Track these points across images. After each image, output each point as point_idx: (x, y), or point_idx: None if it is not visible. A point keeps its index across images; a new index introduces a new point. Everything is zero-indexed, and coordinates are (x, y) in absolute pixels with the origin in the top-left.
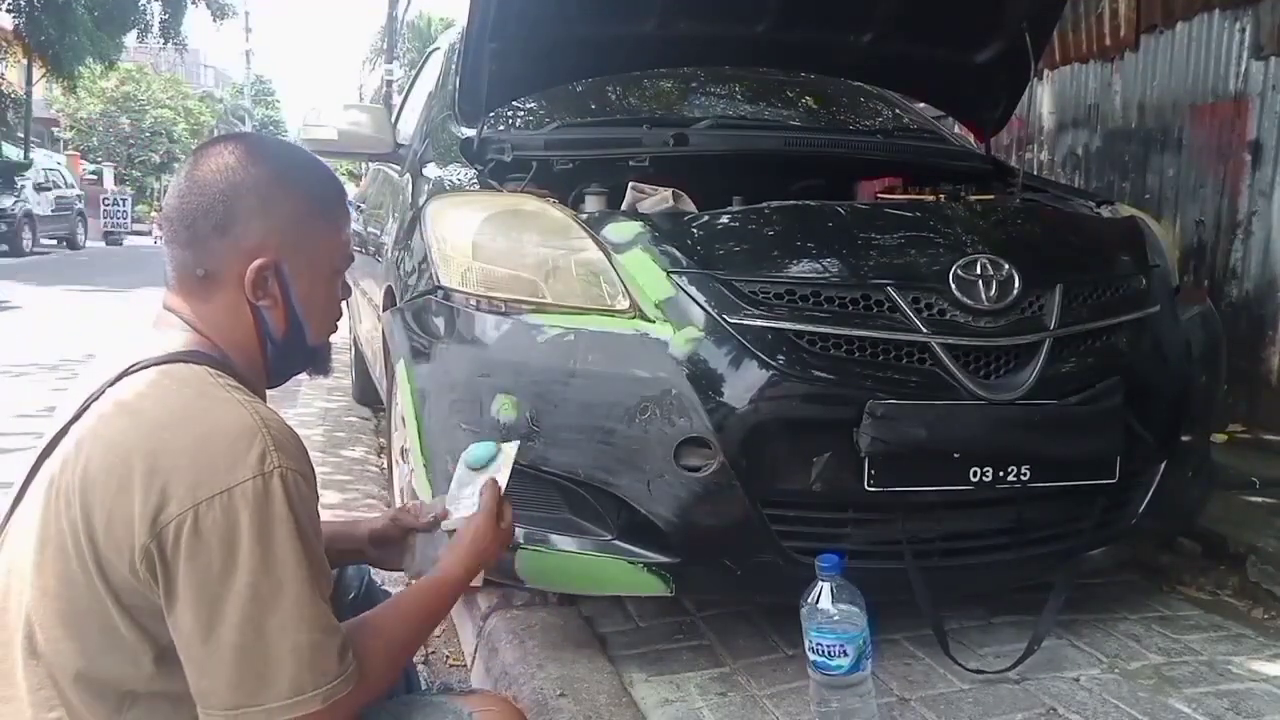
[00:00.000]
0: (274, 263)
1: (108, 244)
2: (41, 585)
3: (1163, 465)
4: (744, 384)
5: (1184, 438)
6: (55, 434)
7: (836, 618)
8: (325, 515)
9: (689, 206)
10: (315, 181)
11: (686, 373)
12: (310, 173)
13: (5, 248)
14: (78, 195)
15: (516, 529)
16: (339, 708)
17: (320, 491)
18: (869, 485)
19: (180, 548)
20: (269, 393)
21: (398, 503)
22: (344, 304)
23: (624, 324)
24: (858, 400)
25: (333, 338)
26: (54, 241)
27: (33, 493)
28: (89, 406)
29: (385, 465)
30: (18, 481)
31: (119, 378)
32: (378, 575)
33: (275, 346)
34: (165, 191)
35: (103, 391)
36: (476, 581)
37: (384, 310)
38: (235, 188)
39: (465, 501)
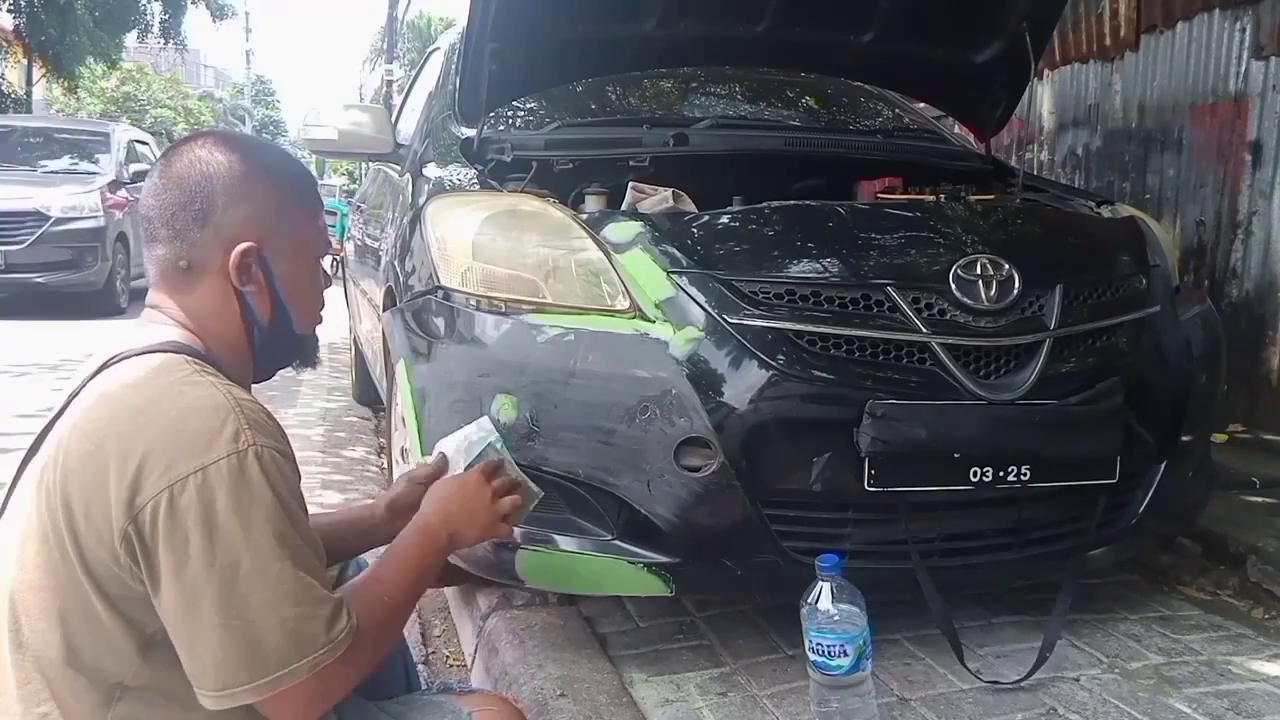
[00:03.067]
0: (256, 247)
1: None
2: (25, 578)
3: (1163, 465)
4: (744, 384)
5: (1184, 438)
6: (41, 431)
7: (836, 618)
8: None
9: (689, 206)
10: (289, 168)
11: (686, 373)
12: (283, 160)
13: None
14: None
15: (515, 530)
16: (330, 675)
17: (320, 492)
18: (869, 485)
19: (158, 529)
20: (271, 394)
21: None
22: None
23: (624, 324)
24: (858, 400)
25: (334, 337)
26: None
27: (20, 489)
28: (72, 401)
29: (385, 465)
30: (7, 480)
31: (99, 370)
32: None
33: (262, 333)
34: None
35: (84, 385)
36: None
37: (384, 310)
38: (211, 178)
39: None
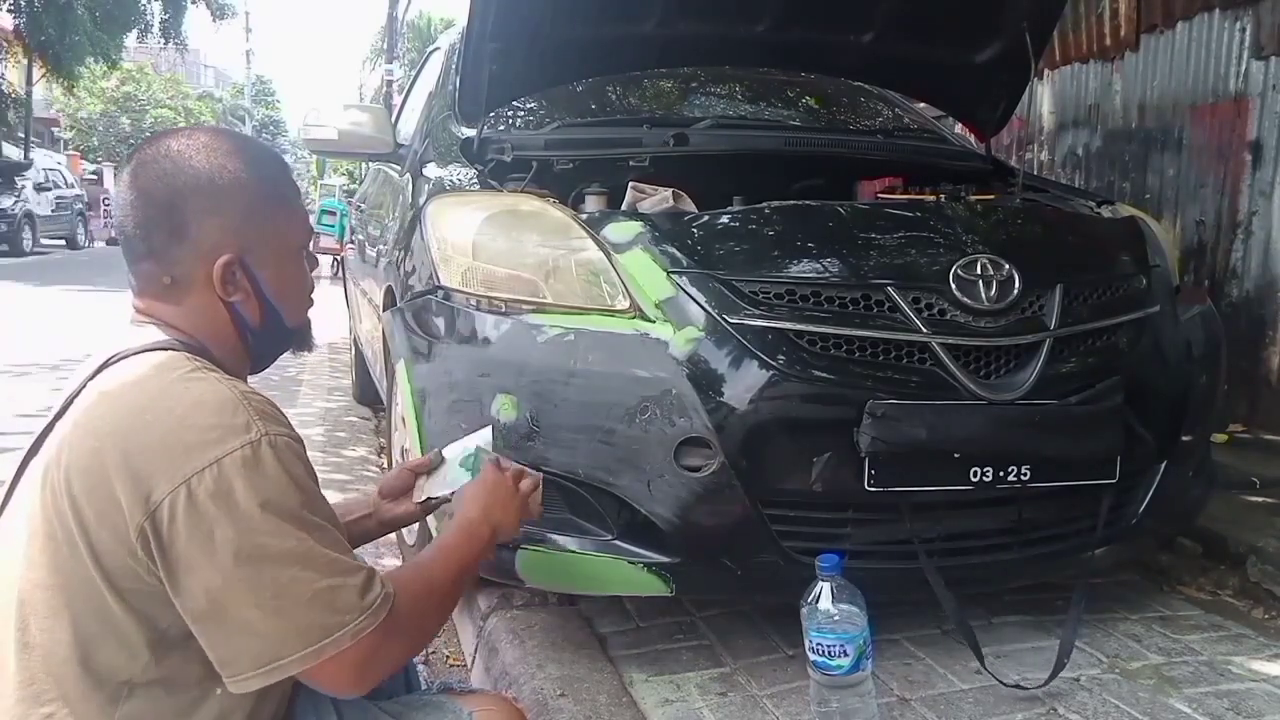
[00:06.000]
0: (237, 257)
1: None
2: (32, 577)
3: (1163, 465)
4: (744, 384)
5: (1184, 438)
6: (42, 431)
7: (837, 618)
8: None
9: (689, 206)
10: (258, 166)
11: (686, 373)
12: (251, 158)
13: (5, 248)
14: (78, 195)
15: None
16: (372, 642)
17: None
18: (869, 485)
19: (178, 524)
20: (271, 394)
21: None
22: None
23: (624, 324)
24: (858, 400)
25: (334, 337)
26: (55, 241)
27: (22, 489)
28: (73, 401)
29: (385, 465)
30: (7, 480)
31: (99, 370)
32: None
33: (254, 334)
34: None
35: (85, 385)
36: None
37: (384, 310)
38: (181, 191)
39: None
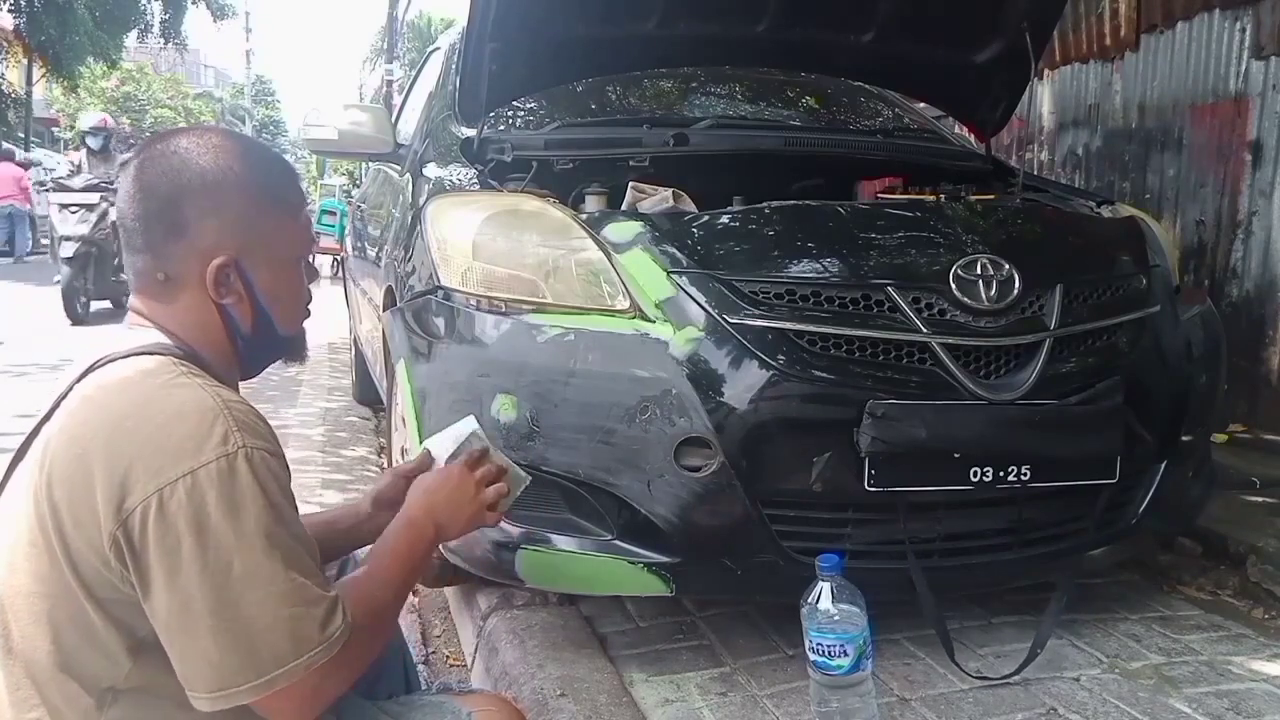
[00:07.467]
0: (233, 260)
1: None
2: (14, 582)
3: (1163, 465)
4: (744, 384)
5: (1184, 438)
6: (29, 434)
7: (837, 618)
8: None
9: (689, 206)
10: (264, 171)
11: (686, 373)
12: (258, 162)
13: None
14: None
15: (515, 528)
16: (326, 674)
17: (320, 491)
18: (869, 485)
19: (148, 533)
20: (271, 394)
21: None
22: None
23: (624, 324)
24: (858, 400)
25: (334, 337)
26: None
27: (7, 494)
28: (59, 405)
29: (385, 465)
30: None
31: (85, 373)
32: None
33: (245, 340)
34: None
35: (71, 388)
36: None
37: (384, 310)
38: (183, 189)
39: None
